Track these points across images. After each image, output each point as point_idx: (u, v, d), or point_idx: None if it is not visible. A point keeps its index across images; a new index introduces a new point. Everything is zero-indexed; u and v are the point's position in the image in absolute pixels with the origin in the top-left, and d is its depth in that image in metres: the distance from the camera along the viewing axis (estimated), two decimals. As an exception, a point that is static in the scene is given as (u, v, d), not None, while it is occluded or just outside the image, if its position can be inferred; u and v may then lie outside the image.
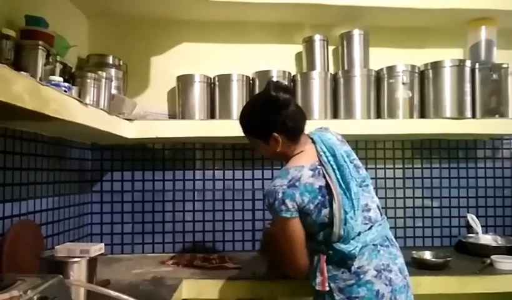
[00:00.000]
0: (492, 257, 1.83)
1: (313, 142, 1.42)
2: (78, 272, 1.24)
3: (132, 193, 2.19)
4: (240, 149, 2.23)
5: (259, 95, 1.54)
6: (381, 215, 1.40)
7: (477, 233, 2.20)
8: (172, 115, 2.16)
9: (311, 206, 1.31)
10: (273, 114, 1.38)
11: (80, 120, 1.29)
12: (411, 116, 2.01)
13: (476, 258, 1.93)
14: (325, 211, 1.31)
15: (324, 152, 1.36)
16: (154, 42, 2.20)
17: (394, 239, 1.40)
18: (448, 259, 1.82)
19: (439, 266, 1.81)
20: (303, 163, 1.36)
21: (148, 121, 1.91)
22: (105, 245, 1.42)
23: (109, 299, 1.14)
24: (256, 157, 2.24)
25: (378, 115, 2.05)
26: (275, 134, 1.39)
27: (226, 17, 2.15)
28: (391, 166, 2.31)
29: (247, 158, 2.24)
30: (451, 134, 2.10)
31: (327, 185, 1.31)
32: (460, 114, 1.99)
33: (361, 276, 1.28)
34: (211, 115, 2.06)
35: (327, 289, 1.31)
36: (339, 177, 1.32)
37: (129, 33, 2.19)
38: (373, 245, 1.32)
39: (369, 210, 1.36)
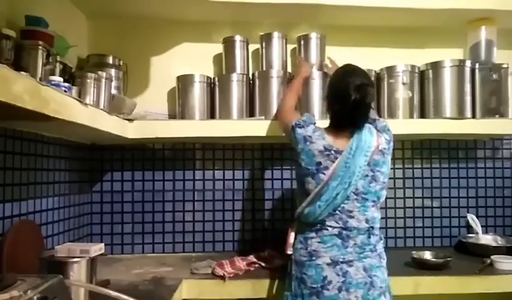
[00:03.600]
0: (492, 257, 1.84)
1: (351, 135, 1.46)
2: (78, 272, 1.24)
3: (132, 193, 2.19)
4: (240, 149, 2.23)
5: (349, 83, 1.44)
6: (370, 228, 1.42)
7: (477, 233, 2.20)
8: (172, 115, 2.16)
9: (303, 163, 1.45)
10: (339, 100, 1.47)
11: (80, 120, 1.29)
12: (411, 116, 2.01)
13: (476, 258, 1.93)
14: (309, 180, 1.43)
15: (350, 149, 1.41)
16: (154, 42, 2.20)
17: (379, 249, 1.43)
18: (448, 259, 1.82)
19: (439, 266, 1.81)
20: (328, 137, 1.45)
21: (148, 121, 1.91)
22: (105, 245, 1.43)
23: (109, 299, 1.14)
24: (256, 157, 2.24)
25: (378, 115, 2.04)
26: (328, 105, 1.54)
27: (226, 17, 2.15)
28: (391, 166, 2.29)
29: (247, 158, 2.24)
30: (451, 134, 2.10)
31: (326, 168, 1.40)
32: (460, 114, 1.99)
33: (313, 258, 1.39)
34: (211, 115, 2.06)
35: (289, 252, 1.49)
36: (341, 174, 1.38)
37: (129, 33, 2.19)
38: (341, 239, 1.38)
39: (350, 216, 1.39)
